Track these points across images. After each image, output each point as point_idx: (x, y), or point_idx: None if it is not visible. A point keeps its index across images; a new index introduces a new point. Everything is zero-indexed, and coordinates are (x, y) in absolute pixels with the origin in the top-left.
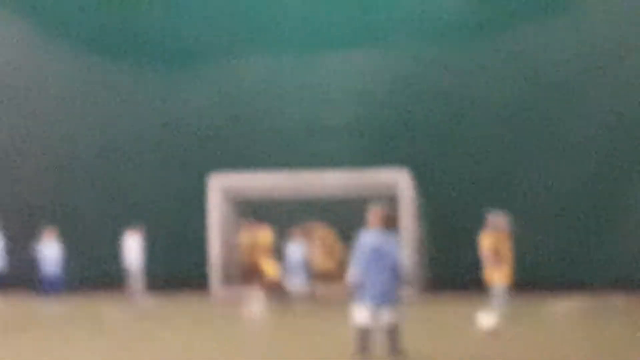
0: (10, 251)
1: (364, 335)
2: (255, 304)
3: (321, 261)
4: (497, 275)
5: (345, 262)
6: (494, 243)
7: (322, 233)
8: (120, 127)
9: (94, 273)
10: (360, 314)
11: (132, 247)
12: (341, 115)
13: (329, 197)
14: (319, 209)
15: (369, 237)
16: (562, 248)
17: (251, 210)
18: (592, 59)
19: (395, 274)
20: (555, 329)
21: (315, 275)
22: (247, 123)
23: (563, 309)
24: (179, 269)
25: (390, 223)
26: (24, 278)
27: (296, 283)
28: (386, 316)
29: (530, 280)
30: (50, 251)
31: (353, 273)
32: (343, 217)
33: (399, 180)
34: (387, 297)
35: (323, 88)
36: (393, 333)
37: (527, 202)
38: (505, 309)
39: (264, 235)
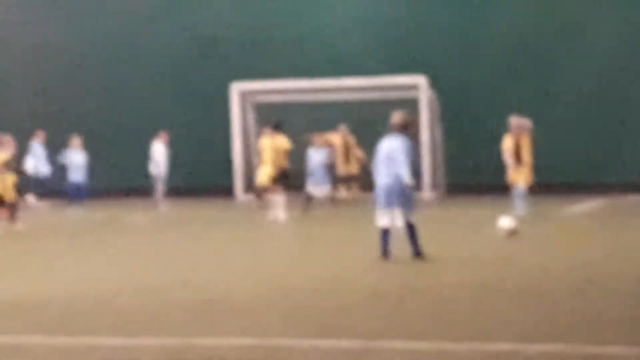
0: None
1: (385, 237)
2: (279, 208)
3: (342, 165)
4: (518, 177)
5: (366, 166)
6: (515, 145)
7: (344, 137)
8: (144, 36)
9: (119, 180)
10: (380, 216)
11: (159, 153)
12: (359, 21)
13: (349, 101)
14: (340, 113)
15: (383, 143)
16: (580, 150)
17: (272, 116)
18: None
19: (400, 179)
20: (573, 230)
21: (338, 179)
22: (265, 31)
23: (581, 210)
24: (204, 176)
25: (409, 129)
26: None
27: (318, 187)
28: (399, 218)
29: (550, 182)
30: (76, 159)
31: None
32: (363, 121)
33: (418, 85)
34: (396, 200)
35: None
36: (410, 234)
37: (543, 106)
38: (526, 209)
39: (282, 141)
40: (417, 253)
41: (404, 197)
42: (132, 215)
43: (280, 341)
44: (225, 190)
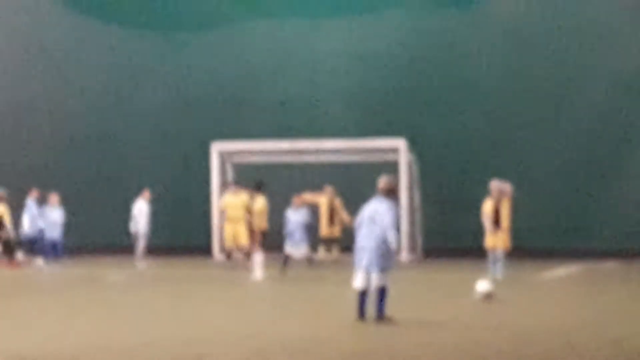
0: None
1: (361, 299)
2: (257, 268)
3: (326, 227)
4: (496, 241)
5: (349, 228)
6: (494, 210)
7: (330, 199)
8: (127, 93)
9: (98, 237)
10: (357, 278)
11: (141, 211)
12: (340, 83)
13: (329, 163)
14: (319, 175)
15: (368, 206)
16: (557, 215)
17: (252, 177)
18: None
19: (385, 241)
20: (551, 294)
21: (319, 240)
22: (246, 91)
23: (559, 275)
24: (182, 234)
25: (392, 193)
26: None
27: (296, 247)
28: (374, 281)
29: (527, 246)
30: (53, 216)
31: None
32: (344, 182)
33: (398, 149)
34: (375, 262)
35: (322, 56)
36: (379, 297)
37: (523, 171)
38: (503, 274)
39: (262, 202)
40: (381, 316)
41: (384, 259)
42: (110, 273)
43: None
44: (203, 249)
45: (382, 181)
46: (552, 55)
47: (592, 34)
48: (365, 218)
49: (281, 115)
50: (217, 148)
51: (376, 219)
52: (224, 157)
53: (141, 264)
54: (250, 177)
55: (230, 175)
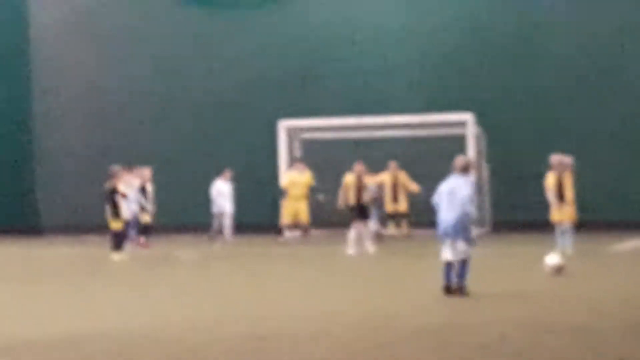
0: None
1: (447, 270)
2: (356, 243)
3: (390, 203)
4: (561, 214)
5: (416, 203)
6: (558, 183)
7: (393, 175)
8: (193, 74)
9: (176, 217)
10: (444, 250)
11: (221, 192)
12: (406, 57)
13: (397, 138)
14: (386, 150)
15: (445, 183)
16: (624, 188)
17: (320, 154)
18: None
19: (467, 214)
20: (622, 267)
21: (386, 216)
22: (313, 68)
23: (628, 247)
24: (251, 213)
25: (467, 170)
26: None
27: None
28: (460, 252)
29: (594, 219)
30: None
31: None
32: (410, 157)
33: (465, 122)
34: (461, 235)
35: (389, 30)
36: (461, 269)
37: (589, 144)
38: (572, 247)
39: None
40: (461, 287)
41: (467, 231)
42: (187, 252)
43: None
44: (273, 227)
45: (459, 159)
46: (622, 27)
47: None
48: (444, 194)
49: (348, 91)
50: (284, 125)
51: (456, 193)
52: (291, 134)
53: (217, 244)
54: (318, 154)
55: (298, 152)
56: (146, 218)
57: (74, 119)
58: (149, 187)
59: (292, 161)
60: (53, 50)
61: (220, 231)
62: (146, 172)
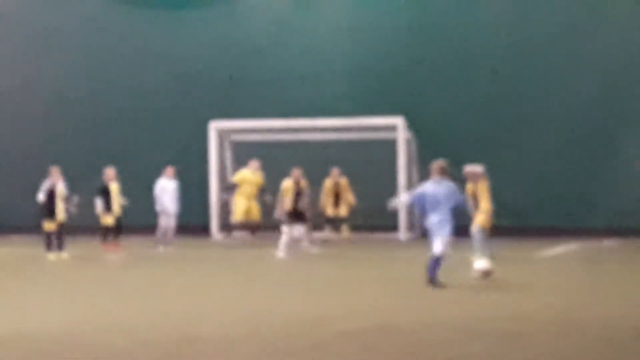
0: None
1: (433, 265)
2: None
3: (331, 207)
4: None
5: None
6: (472, 192)
7: (334, 180)
8: (124, 73)
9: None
10: (435, 245)
11: (165, 189)
12: (337, 60)
13: (327, 141)
14: (316, 152)
15: (425, 185)
16: (556, 193)
17: (251, 155)
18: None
19: (448, 212)
20: (548, 272)
21: (326, 221)
22: (244, 69)
23: (557, 253)
24: (181, 215)
25: (445, 173)
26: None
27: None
28: (440, 247)
29: (526, 225)
30: None
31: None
32: (341, 161)
33: (396, 126)
34: (446, 231)
35: (319, 32)
36: (434, 263)
37: (522, 147)
38: (489, 251)
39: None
40: (433, 279)
41: (448, 229)
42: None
43: None
44: (200, 229)
45: (435, 163)
46: (555, 28)
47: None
48: (426, 196)
49: (279, 93)
50: (215, 126)
51: (438, 195)
52: (222, 135)
53: (161, 246)
54: (248, 156)
55: (228, 154)
56: (108, 220)
57: (2, 119)
58: (114, 187)
59: (222, 163)
60: None
61: (165, 233)
62: (110, 171)
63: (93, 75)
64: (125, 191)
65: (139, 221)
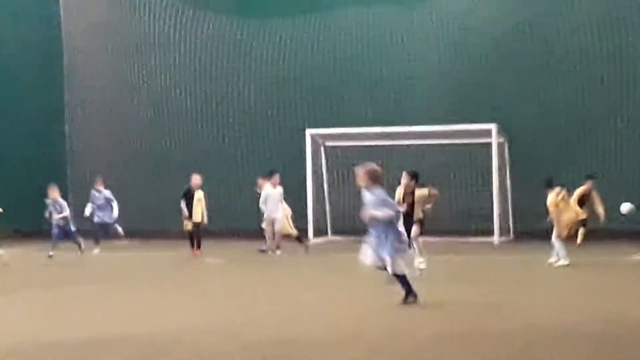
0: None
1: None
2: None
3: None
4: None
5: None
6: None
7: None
8: (220, 80)
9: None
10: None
11: (269, 197)
12: (433, 67)
13: (421, 148)
14: (412, 157)
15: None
16: None
17: (344, 161)
18: None
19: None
20: None
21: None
22: (341, 77)
23: None
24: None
25: (378, 180)
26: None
27: None
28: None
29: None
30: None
31: None
32: (435, 165)
33: (489, 132)
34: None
35: (414, 42)
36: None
37: (614, 155)
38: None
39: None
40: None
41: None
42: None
43: None
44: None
45: (360, 169)
46: None
47: None
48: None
49: (375, 100)
50: (311, 133)
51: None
52: (317, 142)
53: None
54: (344, 162)
55: (323, 160)
56: (188, 225)
57: (104, 125)
58: (198, 194)
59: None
60: (84, 58)
61: (270, 237)
62: (195, 178)
63: (192, 85)
64: (225, 196)
65: (244, 225)
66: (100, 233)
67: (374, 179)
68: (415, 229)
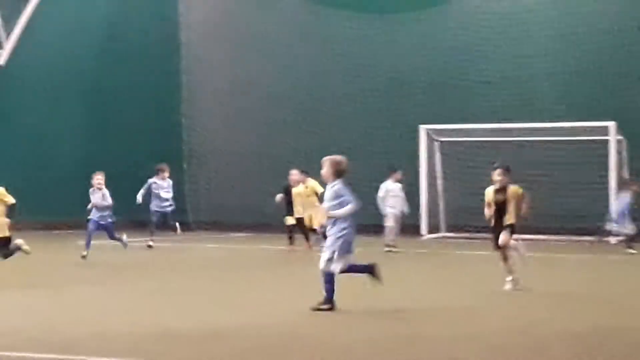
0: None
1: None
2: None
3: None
4: None
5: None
6: None
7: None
8: (335, 74)
9: None
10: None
11: (389, 192)
12: (552, 65)
13: (537, 145)
14: (527, 155)
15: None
16: None
17: (461, 157)
18: None
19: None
20: None
21: None
22: (457, 74)
23: None
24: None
25: (341, 173)
26: None
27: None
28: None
29: None
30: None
31: None
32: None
33: (607, 130)
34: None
35: (530, 37)
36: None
37: None
38: None
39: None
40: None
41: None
42: None
43: None
44: (411, 229)
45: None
46: None
47: None
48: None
49: (490, 96)
50: (425, 128)
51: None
52: (432, 138)
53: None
54: (458, 158)
55: (438, 156)
56: (289, 220)
57: (219, 119)
58: (297, 190)
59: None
60: (200, 50)
61: (390, 233)
62: (293, 174)
63: (305, 79)
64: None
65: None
66: (159, 224)
67: (338, 172)
68: (504, 236)
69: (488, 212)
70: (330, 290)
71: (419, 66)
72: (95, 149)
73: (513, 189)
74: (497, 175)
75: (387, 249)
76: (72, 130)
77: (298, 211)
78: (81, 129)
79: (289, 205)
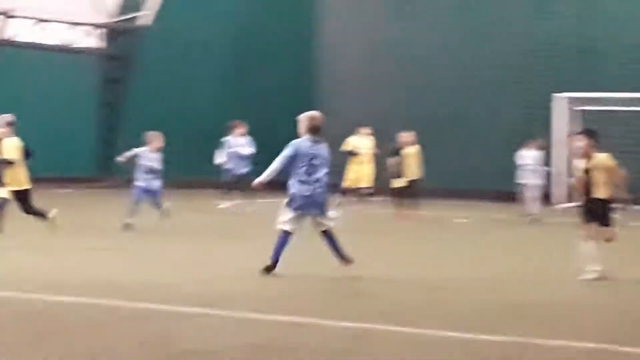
0: None
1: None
2: None
3: None
4: None
5: None
6: None
7: None
8: (475, 42)
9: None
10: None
11: (528, 161)
12: None
13: None
14: None
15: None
16: None
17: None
18: None
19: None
20: None
21: None
22: (594, 42)
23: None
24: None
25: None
26: None
27: None
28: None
29: None
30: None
31: None
32: None
33: None
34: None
35: None
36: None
37: None
38: None
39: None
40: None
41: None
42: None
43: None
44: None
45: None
46: None
47: None
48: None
49: (628, 66)
50: (559, 97)
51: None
52: (567, 106)
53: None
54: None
55: (572, 125)
56: (396, 184)
57: (354, 85)
58: (409, 151)
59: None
60: (336, 21)
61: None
62: (403, 136)
63: (442, 46)
64: (474, 157)
65: (494, 187)
66: (232, 186)
67: (311, 128)
68: (610, 232)
69: (576, 184)
70: (278, 252)
71: (555, 34)
72: (232, 111)
73: (600, 157)
74: (578, 141)
75: (529, 217)
76: (210, 91)
77: (408, 173)
78: (218, 92)
79: (398, 168)
